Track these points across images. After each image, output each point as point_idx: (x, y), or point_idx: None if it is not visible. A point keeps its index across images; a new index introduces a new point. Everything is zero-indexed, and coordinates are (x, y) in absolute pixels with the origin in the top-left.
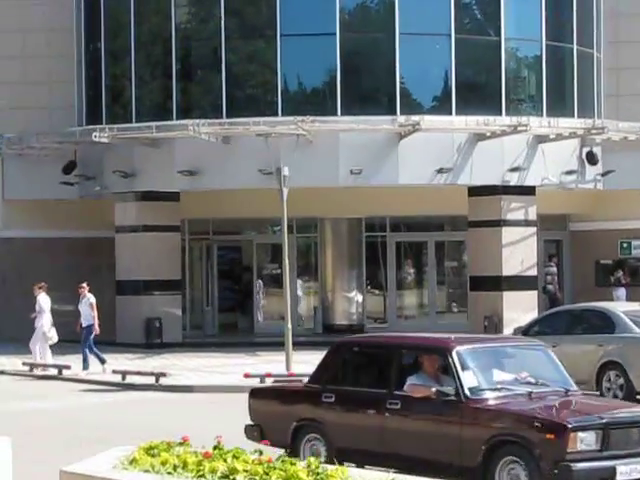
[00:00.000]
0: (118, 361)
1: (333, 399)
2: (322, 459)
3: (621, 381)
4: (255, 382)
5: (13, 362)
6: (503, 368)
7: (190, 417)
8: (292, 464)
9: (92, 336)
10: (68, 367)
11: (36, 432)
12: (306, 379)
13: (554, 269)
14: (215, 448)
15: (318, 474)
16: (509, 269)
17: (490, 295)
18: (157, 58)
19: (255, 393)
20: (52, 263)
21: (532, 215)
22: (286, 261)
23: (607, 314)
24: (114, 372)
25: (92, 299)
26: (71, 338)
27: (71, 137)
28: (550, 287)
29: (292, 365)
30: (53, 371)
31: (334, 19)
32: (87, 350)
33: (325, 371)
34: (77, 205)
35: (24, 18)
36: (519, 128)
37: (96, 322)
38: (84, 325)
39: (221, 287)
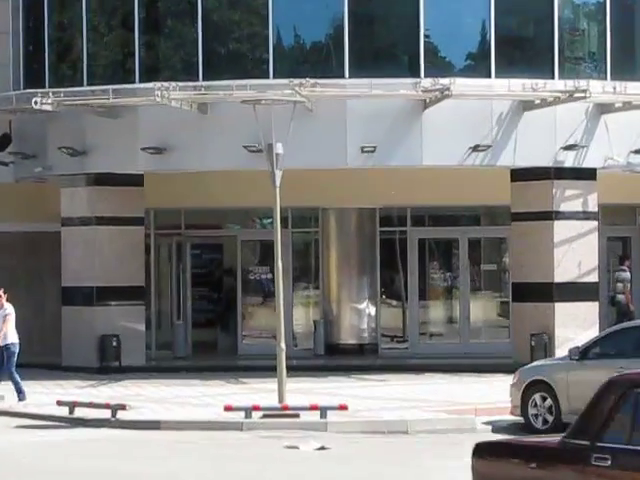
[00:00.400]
0: (65, 389)
1: (609, 462)
2: None
3: None
4: (239, 416)
5: None
6: None
7: (156, 462)
8: None
9: (15, 356)
10: (1, 397)
11: None
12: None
13: (627, 274)
14: None
15: None
16: (563, 274)
17: (539, 307)
18: (115, 4)
19: (483, 450)
20: None
21: (593, 206)
22: (279, 263)
23: None
24: (59, 404)
25: (9, 310)
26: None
27: (5, 104)
28: (621, 297)
29: (286, 395)
30: None
31: None
32: (16, 375)
33: (594, 420)
34: (12, 190)
35: None
36: (576, 95)
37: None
38: (2, 344)
39: (196, 296)
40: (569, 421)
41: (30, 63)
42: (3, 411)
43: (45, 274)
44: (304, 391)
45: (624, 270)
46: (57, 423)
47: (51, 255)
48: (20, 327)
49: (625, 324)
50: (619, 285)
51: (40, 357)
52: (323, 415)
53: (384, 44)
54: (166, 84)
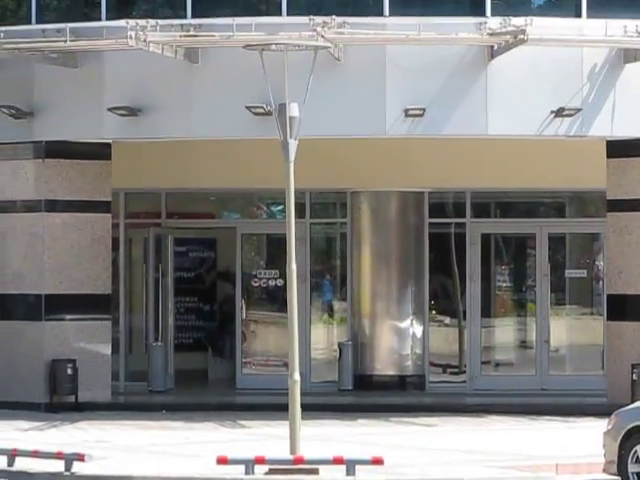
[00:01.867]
0: (3, 433)
1: None
2: None
3: None
4: (237, 472)
5: None
6: None
7: None
8: None
9: None
10: None
11: None
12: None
13: None
14: None
15: None
16: None
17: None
18: None
19: None
20: None
21: None
22: (293, 265)
23: None
24: None
25: None
26: None
27: None
28: None
29: (301, 444)
30: None
31: None
32: None
33: None
34: None
35: None
36: None
37: None
38: None
39: (181, 308)
40: None
41: None
42: None
43: None
44: (325, 438)
45: None
46: None
47: None
48: None
49: None
50: None
51: None
52: (350, 471)
53: None
54: (142, 22)
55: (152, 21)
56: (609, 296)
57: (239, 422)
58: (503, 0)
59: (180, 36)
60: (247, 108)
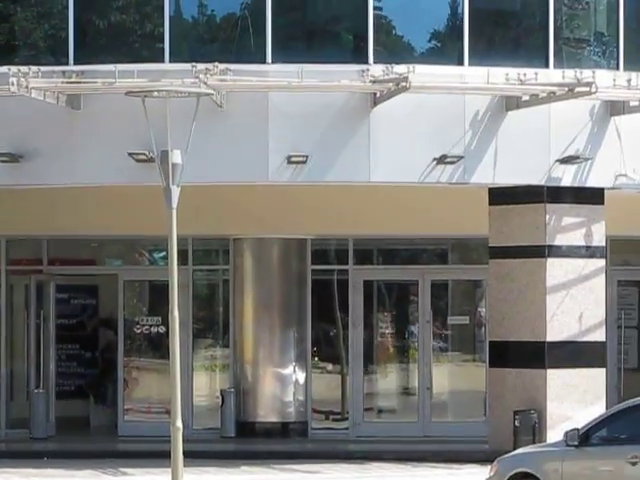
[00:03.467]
0: None
1: None
2: None
3: None
4: None
5: None
6: None
7: None
8: None
9: None
10: None
11: None
12: None
13: None
14: None
15: None
16: (558, 330)
17: (525, 375)
18: None
19: None
20: None
21: (599, 238)
22: (175, 312)
23: None
24: None
25: None
26: None
27: None
28: None
29: None
30: None
31: None
32: None
33: None
34: None
35: None
36: (578, 89)
37: None
38: None
39: (62, 355)
40: None
41: None
42: None
43: None
44: None
45: None
46: None
47: None
48: None
49: (634, 401)
50: None
51: None
52: None
53: (319, 19)
54: (24, 69)
55: (34, 67)
56: (491, 343)
57: (121, 470)
58: (386, 47)
59: (62, 82)
60: (130, 155)
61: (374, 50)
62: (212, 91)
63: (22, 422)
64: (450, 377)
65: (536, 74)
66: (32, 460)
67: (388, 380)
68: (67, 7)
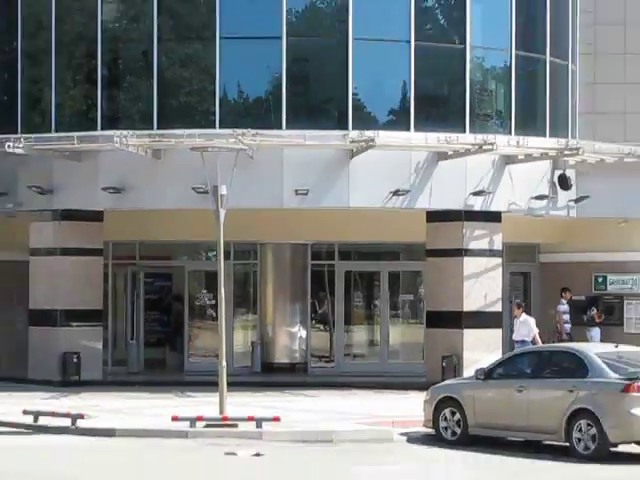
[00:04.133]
0: (30, 400)
1: None
2: None
3: (594, 431)
4: (184, 425)
5: None
6: None
7: (111, 466)
8: None
9: None
10: None
11: None
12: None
13: (563, 307)
14: None
15: None
16: (471, 304)
17: (449, 333)
18: (81, 61)
19: None
20: None
21: (497, 244)
22: (222, 291)
23: (579, 356)
24: (25, 413)
25: None
26: None
27: None
28: (567, 326)
29: (226, 407)
30: None
31: (280, 21)
32: None
33: None
34: None
35: None
36: (484, 147)
37: None
38: None
39: (148, 319)
40: (475, 434)
41: (4, 111)
42: None
43: (14, 298)
44: (242, 404)
45: (562, 303)
46: (22, 430)
47: (20, 281)
48: None
49: (524, 349)
50: (564, 316)
51: (8, 371)
52: (259, 425)
53: (317, 100)
54: (124, 132)
55: (131, 131)
56: (428, 312)
57: (186, 393)
58: (359, 119)
59: (149, 141)
60: (192, 188)
61: (352, 121)
62: (246, 147)
63: (122, 362)
64: (401, 334)
65: (457, 137)
66: (128, 387)
67: (360, 336)
68: (152, 93)
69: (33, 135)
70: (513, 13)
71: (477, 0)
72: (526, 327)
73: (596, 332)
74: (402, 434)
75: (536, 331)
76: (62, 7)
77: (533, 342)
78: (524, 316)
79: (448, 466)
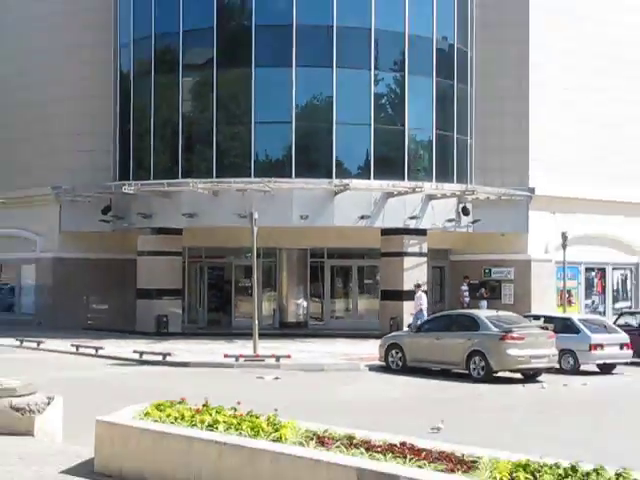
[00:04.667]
0: (136, 344)
1: None
2: None
3: (483, 363)
4: (231, 360)
5: (64, 344)
6: None
7: (187, 384)
8: (257, 417)
9: None
10: (102, 348)
11: (79, 393)
12: (266, 359)
13: (465, 287)
14: (204, 406)
15: (274, 424)
16: (407, 286)
17: (394, 303)
18: (168, 136)
19: None
20: (91, 276)
21: (424, 249)
22: (255, 277)
23: (474, 317)
24: (134, 352)
25: None
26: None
27: (108, 189)
28: (466, 300)
29: (258, 349)
30: (91, 350)
31: (291, 111)
32: None
33: None
34: (111, 236)
35: (85, 112)
36: (416, 189)
37: None
38: None
39: (209, 294)
40: (411, 365)
41: (122, 167)
42: (103, 355)
43: (127, 282)
44: (267, 347)
45: (463, 285)
46: (132, 362)
47: (131, 272)
48: (112, 311)
49: (440, 313)
50: (465, 293)
51: (122, 327)
52: (277, 360)
53: (313, 160)
54: (195, 180)
55: (199, 179)
56: (381, 290)
57: (233, 340)
58: (340, 172)
59: (210, 185)
60: (237, 214)
61: (335, 173)
62: (270, 189)
63: (193, 321)
64: (364, 304)
65: (399, 183)
66: (197, 337)
67: (340, 305)
68: (212, 156)
69: (140, 181)
70: (434, 106)
71: (411, 99)
72: (417, 301)
73: (484, 303)
74: (366, 366)
75: (423, 305)
76: (157, 104)
77: (419, 313)
78: (419, 293)
79: (394, 384)
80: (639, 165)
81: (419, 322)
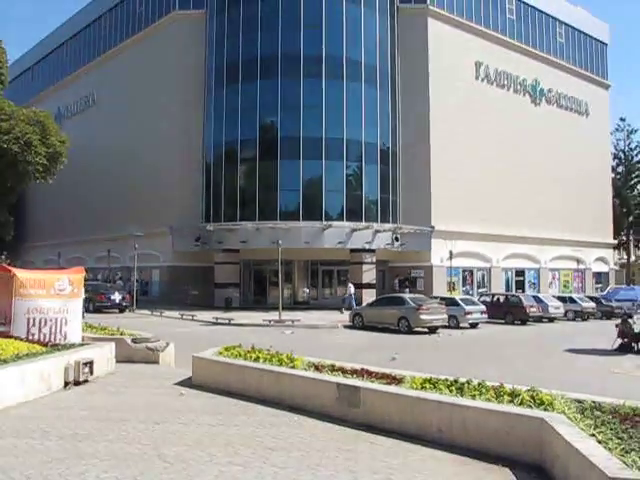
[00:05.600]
0: (214, 314)
1: None
2: None
3: (407, 324)
4: (266, 322)
5: (175, 314)
6: None
7: (242, 335)
8: (281, 355)
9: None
10: (195, 315)
11: (183, 340)
12: (288, 322)
13: (396, 281)
14: (252, 348)
15: (291, 359)
16: (366, 280)
17: (359, 291)
18: (232, 197)
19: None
20: (189, 276)
21: (374, 260)
22: (280, 276)
23: (401, 297)
24: (213, 317)
25: None
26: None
27: (199, 227)
28: (397, 288)
29: (282, 316)
30: (189, 317)
31: (299, 184)
32: None
33: None
34: (200, 253)
35: (185, 181)
36: (369, 227)
37: None
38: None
39: (254, 286)
40: (367, 325)
41: (207, 214)
42: (196, 319)
43: (209, 278)
44: (287, 315)
45: (395, 280)
46: (212, 323)
47: (212, 273)
48: (201, 295)
49: (383, 295)
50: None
51: (205, 303)
52: (293, 322)
53: (312, 211)
54: (247, 222)
55: (249, 222)
56: (355, 283)
57: (268, 312)
58: (327, 217)
59: (255, 225)
60: (271, 242)
61: (324, 218)
62: (288, 228)
63: (246, 300)
64: (341, 291)
65: (360, 223)
66: (248, 310)
67: (327, 292)
68: (256, 210)
69: (215, 223)
70: (379, 181)
71: (366, 177)
72: (349, 290)
73: (407, 290)
74: (343, 326)
75: (352, 291)
76: (226, 179)
77: (349, 297)
78: (349, 285)
79: (359, 335)
80: (489, 215)
81: (347, 302)
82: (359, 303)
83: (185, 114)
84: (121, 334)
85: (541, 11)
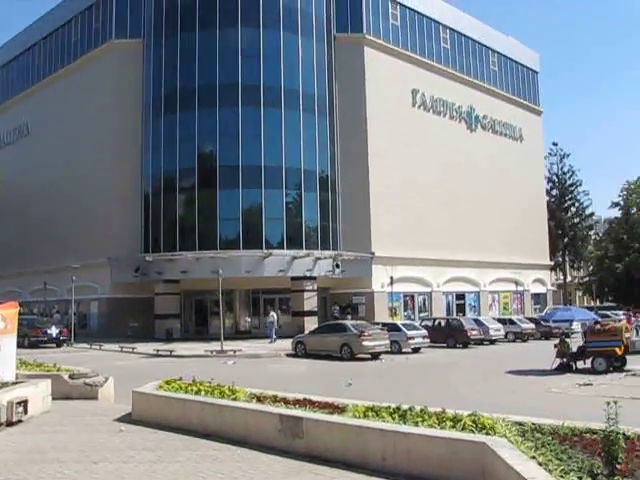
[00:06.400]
0: (155, 345)
1: None
2: None
3: (349, 350)
4: (208, 352)
5: (114, 346)
6: None
7: (183, 367)
8: (222, 387)
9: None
10: (135, 347)
11: (123, 374)
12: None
13: (337, 307)
14: (193, 381)
15: (233, 390)
16: (307, 308)
17: (300, 319)
18: (171, 227)
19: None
20: (129, 307)
21: (315, 287)
22: (221, 306)
23: (344, 324)
24: (154, 349)
25: None
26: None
27: (138, 258)
28: (337, 315)
29: (223, 346)
30: (129, 349)
31: (239, 212)
32: None
33: None
34: (139, 284)
35: (124, 213)
36: (309, 254)
37: None
38: None
39: (195, 316)
40: (310, 353)
41: (145, 244)
42: (136, 352)
43: (148, 310)
44: (229, 345)
45: (335, 306)
46: (152, 356)
47: (151, 304)
48: (141, 327)
49: (325, 323)
50: (335, 311)
51: (145, 335)
52: (234, 352)
53: (252, 239)
54: (187, 252)
55: (189, 252)
56: (292, 311)
57: (209, 342)
58: (267, 246)
59: (195, 255)
60: (211, 271)
61: (265, 246)
62: (228, 256)
63: (187, 331)
64: (284, 319)
65: (300, 251)
66: (189, 340)
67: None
68: (195, 239)
69: (155, 253)
70: (318, 208)
71: (305, 204)
72: (271, 318)
73: (348, 317)
74: (285, 355)
75: (275, 318)
76: (165, 208)
77: (270, 324)
78: (272, 312)
79: (301, 363)
80: (429, 240)
81: (269, 329)
82: (301, 331)
83: (123, 144)
84: (58, 370)
85: (474, 40)
